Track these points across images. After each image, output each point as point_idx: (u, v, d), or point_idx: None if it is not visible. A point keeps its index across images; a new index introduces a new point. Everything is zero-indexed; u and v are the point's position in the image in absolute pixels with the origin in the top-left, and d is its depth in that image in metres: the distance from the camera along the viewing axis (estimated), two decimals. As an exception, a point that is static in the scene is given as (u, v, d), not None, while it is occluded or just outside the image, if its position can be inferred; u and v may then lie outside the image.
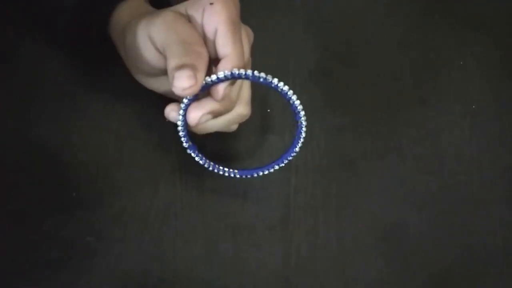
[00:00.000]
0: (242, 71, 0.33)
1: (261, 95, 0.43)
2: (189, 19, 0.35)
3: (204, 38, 0.34)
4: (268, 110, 0.44)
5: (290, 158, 0.38)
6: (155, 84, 0.39)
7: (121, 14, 0.38)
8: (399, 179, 0.43)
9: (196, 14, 0.34)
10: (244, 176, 0.40)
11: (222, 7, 0.33)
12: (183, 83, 0.31)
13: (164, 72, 0.37)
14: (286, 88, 0.33)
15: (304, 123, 0.35)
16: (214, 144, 0.42)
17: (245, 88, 0.38)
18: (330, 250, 0.41)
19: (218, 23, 0.33)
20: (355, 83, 0.47)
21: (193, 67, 0.32)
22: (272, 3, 0.49)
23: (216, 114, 0.35)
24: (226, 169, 0.39)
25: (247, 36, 0.36)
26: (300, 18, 0.49)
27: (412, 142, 0.45)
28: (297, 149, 0.38)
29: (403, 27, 0.49)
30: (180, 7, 0.35)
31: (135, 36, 0.35)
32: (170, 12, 0.35)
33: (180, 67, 0.32)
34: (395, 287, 0.40)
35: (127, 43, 0.36)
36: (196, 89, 0.32)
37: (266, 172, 0.39)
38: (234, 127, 0.40)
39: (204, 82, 0.33)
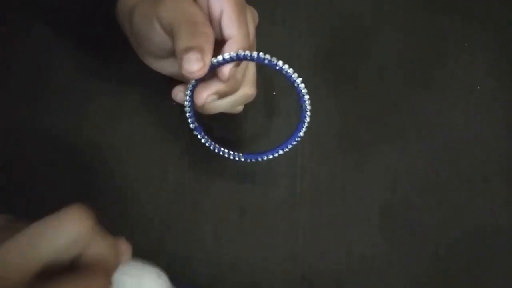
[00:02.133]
0: (248, 53, 0.33)
1: (267, 78, 0.44)
2: (195, 0, 0.35)
3: (209, 19, 0.35)
4: (274, 93, 0.45)
5: (295, 142, 0.39)
6: (162, 66, 0.40)
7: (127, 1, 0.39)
8: (404, 161, 0.44)
9: None
10: (249, 160, 0.40)
11: None
12: (192, 66, 0.32)
13: (170, 54, 0.37)
14: (291, 70, 0.34)
15: (308, 107, 0.36)
16: (221, 127, 0.42)
17: (250, 69, 0.38)
18: (335, 228, 0.42)
19: (224, 5, 0.34)
20: (359, 68, 0.47)
21: (201, 50, 0.32)
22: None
23: (222, 95, 0.36)
24: (231, 152, 0.40)
25: (252, 17, 0.36)
26: (304, 9, 0.49)
27: (417, 125, 0.45)
28: (301, 133, 0.38)
29: (409, 13, 0.49)
30: None
31: (142, 16, 0.36)
32: None
33: (189, 49, 0.32)
34: (399, 263, 0.41)
35: (134, 24, 0.37)
36: (204, 71, 0.33)
37: (271, 157, 0.39)
38: (240, 108, 0.40)
39: (210, 63, 0.33)
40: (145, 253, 0.40)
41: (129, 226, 0.40)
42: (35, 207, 0.40)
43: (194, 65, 0.32)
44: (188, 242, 0.41)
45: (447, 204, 0.43)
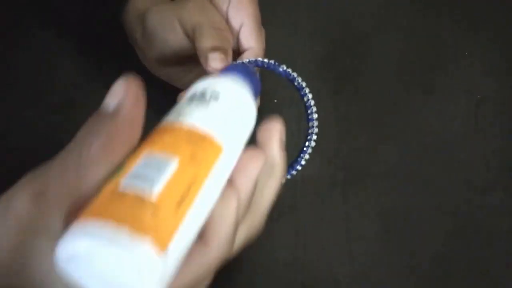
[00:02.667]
0: (266, 60, 0.35)
1: (268, 86, 0.44)
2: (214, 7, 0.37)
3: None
4: (275, 100, 0.45)
5: (296, 171, 0.35)
6: (168, 73, 0.40)
7: (138, 2, 0.39)
8: (404, 167, 0.44)
9: (221, 4, 0.36)
10: None
11: (249, 2, 0.36)
12: (217, 64, 0.33)
13: (181, 60, 0.38)
14: (304, 83, 0.34)
15: (315, 130, 0.35)
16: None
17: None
18: (336, 236, 0.42)
19: (245, 18, 0.36)
20: (361, 74, 0.47)
21: (225, 51, 0.34)
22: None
23: None
24: None
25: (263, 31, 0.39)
26: (305, 10, 0.49)
27: (418, 131, 0.45)
28: (303, 161, 0.35)
29: (409, 16, 0.50)
30: None
31: (162, 18, 0.37)
32: None
33: (215, 48, 0.33)
34: (399, 271, 0.41)
35: (148, 26, 0.37)
36: None
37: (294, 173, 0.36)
38: None
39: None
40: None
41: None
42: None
43: (219, 64, 0.33)
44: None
45: (447, 211, 0.43)
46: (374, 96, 0.46)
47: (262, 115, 0.44)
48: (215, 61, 0.33)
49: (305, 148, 0.35)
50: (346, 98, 0.46)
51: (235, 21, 0.36)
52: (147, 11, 0.38)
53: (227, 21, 0.36)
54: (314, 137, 0.35)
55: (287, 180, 0.42)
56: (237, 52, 0.36)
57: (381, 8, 0.50)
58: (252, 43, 0.36)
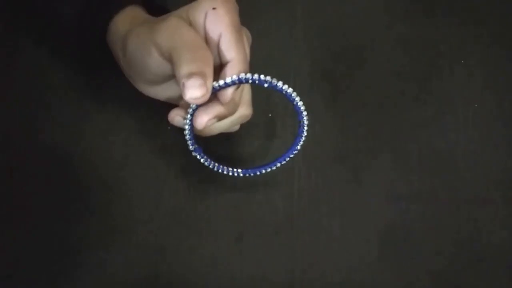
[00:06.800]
0: (249, 76, 0.34)
1: (263, 99, 0.44)
2: (190, 24, 0.35)
3: (207, 42, 0.35)
4: (270, 115, 0.44)
5: (292, 155, 0.39)
6: (156, 91, 0.39)
7: (119, 23, 0.38)
8: (401, 178, 0.43)
9: (198, 19, 0.34)
10: (248, 175, 0.40)
11: (226, 12, 0.34)
12: (195, 92, 0.32)
13: (166, 79, 0.37)
14: (290, 90, 0.35)
15: (306, 122, 0.37)
16: (218, 150, 0.42)
17: (246, 90, 0.38)
18: (334, 252, 0.41)
19: (222, 28, 0.34)
20: (356, 83, 0.46)
21: (202, 75, 0.32)
22: (272, 6, 0.49)
23: (221, 117, 0.36)
24: (230, 168, 0.40)
25: (246, 38, 0.36)
26: (300, 21, 0.48)
27: (415, 141, 0.45)
28: (298, 147, 0.39)
29: (404, 25, 0.49)
30: (182, 12, 0.35)
31: (139, 43, 0.36)
32: (173, 18, 0.35)
33: (190, 75, 0.32)
34: (394, 278, 0.41)
35: (129, 50, 0.36)
36: (207, 97, 0.33)
37: (269, 170, 0.40)
38: (237, 127, 0.40)
39: (212, 87, 0.33)
40: (140, 278, 0.39)
41: (123, 250, 0.40)
42: (28, 224, 0.40)
43: (197, 92, 0.32)
44: (184, 267, 0.40)
45: (446, 225, 0.43)
46: (370, 107, 0.46)
47: (257, 128, 0.44)
48: (192, 89, 0.32)
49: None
50: (342, 109, 0.45)
51: (213, 34, 0.34)
52: (126, 34, 0.37)
53: (206, 35, 0.34)
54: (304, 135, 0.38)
55: (284, 195, 0.42)
56: (221, 66, 0.35)
57: (376, 19, 0.49)
58: (232, 54, 0.34)
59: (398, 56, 0.48)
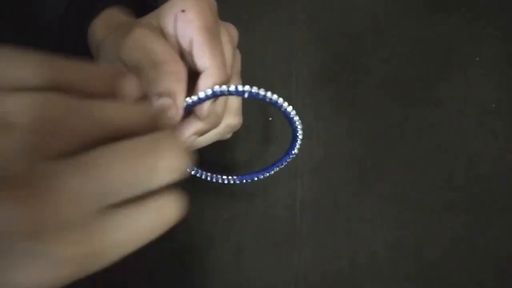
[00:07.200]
0: (224, 88, 0.30)
1: (262, 104, 0.41)
2: (161, 31, 0.31)
3: (180, 49, 0.31)
4: (270, 119, 0.42)
5: (289, 159, 0.36)
6: None
7: (96, 29, 0.35)
8: (412, 191, 0.41)
9: (168, 25, 0.30)
10: (244, 181, 0.37)
11: (196, 13, 0.29)
12: (164, 114, 0.28)
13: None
14: (275, 97, 0.30)
15: (299, 126, 0.33)
16: (214, 156, 0.40)
17: (233, 98, 0.34)
18: (339, 270, 0.38)
19: (193, 33, 0.29)
20: (362, 84, 0.44)
21: (170, 94, 0.28)
22: (273, 6, 0.46)
23: (203, 132, 0.32)
24: (224, 177, 0.37)
25: (229, 38, 0.32)
26: (302, 20, 0.46)
27: (426, 147, 0.42)
28: (296, 150, 0.36)
29: (414, 23, 0.46)
30: (152, 18, 0.32)
31: (106, 58, 0.32)
32: (139, 29, 0.31)
33: (157, 95, 0.28)
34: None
35: (99, 60, 0.33)
36: (178, 116, 0.29)
37: (267, 175, 0.37)
38: (228, 135, 0.37)
39: (185, 103, 0.30)
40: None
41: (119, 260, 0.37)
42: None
43: (167, 112, 0.28)
44: (181, 283, 0.37)
45: (462, 242, 0.39)
46: (377, 110, 0.43)
47: (257, 134, 0.41)
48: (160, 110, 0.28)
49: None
50: (347, 114, 0.42)
51: (184, 41, 0.30)
52: (98, 45, 0.33)
53: (177, 42, 0.30)
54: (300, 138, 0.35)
55: (286, 208, 0.40)
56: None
57: (382, 19, 0.46)
58: (206, 62, 0.29)
59: (407, 55, 0.45)
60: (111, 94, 0.21)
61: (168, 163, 0.20)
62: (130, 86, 0.22)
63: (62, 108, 0.18)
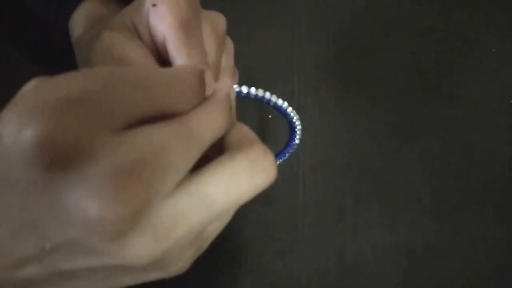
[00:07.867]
0: None
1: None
2: (135, 29, 0.28)
3: (156, 47, 0.28)
4: (270, 116, 0.40)
5: (291, 150, 0.35)
6: None
7: (72, 25, 0.33)
8: (422, 186, 0.38)
9: (140, 22, 0.27)
10: None
11: (168, 7, 0.26)
12: None
13: None
14: (260, 92, 0.28)
15: (295, 117, 0.31)
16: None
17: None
18: (344, 278, 0.36)
19: (165, 30, 0.26)
20: (369, 77, 0.41)
21: None
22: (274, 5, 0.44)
23: None
24: None
25: (211, 29, 0.28)
26: (305, 12, 0.44)
27: (438, 142, 0.39)
28: (297, 140, 0.34)
29: (423, 12, 0.44)
30: (125, 16, 0.28)
31: (81, 59, 0.30)
32: (107, 33, 0.27)
33: None
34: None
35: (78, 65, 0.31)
36: None
37: None
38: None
39: None
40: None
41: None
42: None
43: None
44: (180, 285, 0.36)
45: (469, 234, 0.37)
46: (385, 103, 0.40)
47: (256, 131, 0.39)
48: None
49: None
50: (353, 112, 0.40)
51: (157, 40, 0.26)
52: (76, 45, 0.31)
53: (151, 40, 0.27)
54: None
55: (287, 212, 0.37)
56: None
57: (392, 5, 0.44)
58: (182, 60, 0.26)
59: (417, 46, 0.43)
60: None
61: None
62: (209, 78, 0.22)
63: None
